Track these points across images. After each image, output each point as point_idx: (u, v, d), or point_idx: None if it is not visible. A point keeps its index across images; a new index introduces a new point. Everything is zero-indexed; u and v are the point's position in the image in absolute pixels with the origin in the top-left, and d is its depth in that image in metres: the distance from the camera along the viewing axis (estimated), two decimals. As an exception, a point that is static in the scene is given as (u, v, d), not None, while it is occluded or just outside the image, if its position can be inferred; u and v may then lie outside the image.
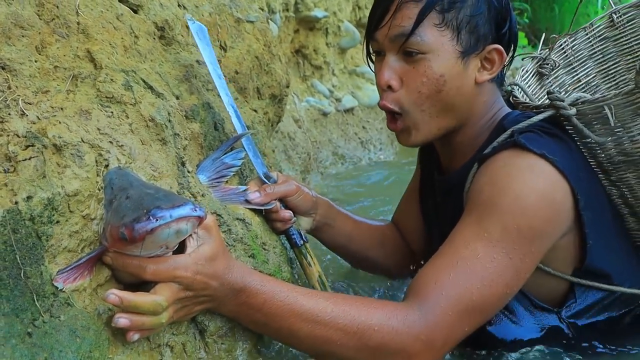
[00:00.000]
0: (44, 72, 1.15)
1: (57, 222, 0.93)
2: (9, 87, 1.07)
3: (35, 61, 1.15)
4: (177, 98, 1.41)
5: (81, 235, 0.97)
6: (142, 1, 1.52)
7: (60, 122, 1.00)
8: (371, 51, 1.42)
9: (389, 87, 1.33)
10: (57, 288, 0.91)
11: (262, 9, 2.01)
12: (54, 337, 0.87)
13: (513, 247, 1.18)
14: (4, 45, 1.11)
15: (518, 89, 1.54)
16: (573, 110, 1.27)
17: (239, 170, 1.49)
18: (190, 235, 1.01)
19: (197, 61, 1.59)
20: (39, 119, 1.00)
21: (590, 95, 1.57)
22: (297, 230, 1.46)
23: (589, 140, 1.30)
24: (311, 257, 1.47)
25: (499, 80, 1.42)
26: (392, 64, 1.32)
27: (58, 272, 0.92)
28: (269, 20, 2.04)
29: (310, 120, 3.03)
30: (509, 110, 1.42)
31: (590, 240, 1.27)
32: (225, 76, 1.71)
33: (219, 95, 1.48)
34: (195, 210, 0.92)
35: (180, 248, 1.03)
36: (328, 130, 3.14)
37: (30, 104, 1.06)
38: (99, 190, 1.00)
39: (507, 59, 1.39)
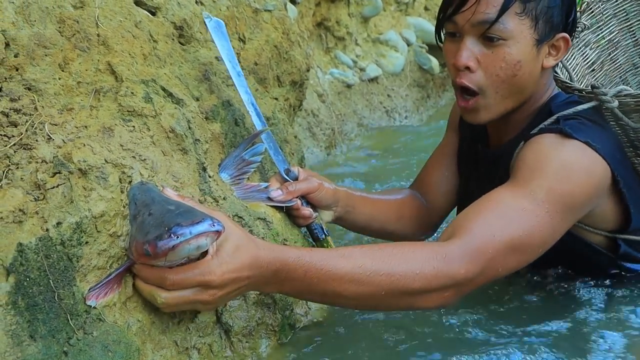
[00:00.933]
0: (68, 89, 1.20)
1: (86, 242, 0.99)
2: (36, 109, 1.13)
3: (59, 78, 1.20)
4: (197, 100, 1.46)
5: (109, 252, 1.03)
6: (160, 2, 1.55)
7: (84, 145, 1.06)
8: (444, 32, 1.50)
9: (467, 68, 1.41)
10: (90, 306, 0.98)
11: (279, -4, 2.02)
12: (88, 354, 0.95)
13: (555, 209, 1.30)
14: (29, 66, 1.16)
15: (559, 68, 1.62)
16: (615, 103, 1.38)
17: (260, 165, 1.54)
18: None
19: (216, 57, 1.62)
20: (65, 142, 1.06)
21: (612, 51, 1.81)
22: (319, 225, 1.51)
23: (625, 125, 1.43)
24: (333, 250, 1.53)
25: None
26: (471, 46, 1.40)
27: (89, 289, 0.98)
28: (287, 5, 2.05)
29: (334, 93, 3.04)
30: (557, 91, 1.53)
31: (632, 210, 1.44)
32: (244, 69, 1.75)
33: (246, 92, 1.52)
34: (214, 225, 0.96)
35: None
36: (352, 101, 3.16)
37: (55, 125, 1.11)
38: (124, 207, 1.06)
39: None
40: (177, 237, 0.93)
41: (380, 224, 1.71)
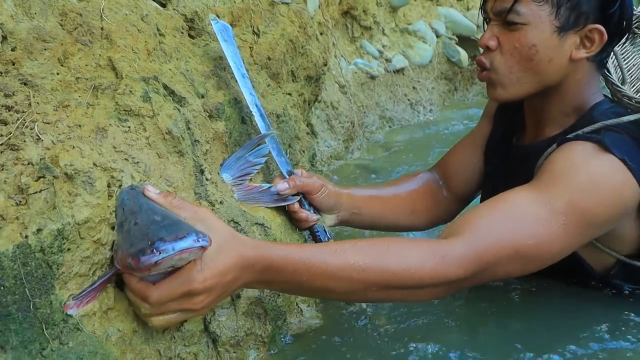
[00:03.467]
0: (66, 84, 1.17)
1: (68, 249, 0.97)
2: (29, 105, 1.11)
3: (57, 74, 1.17)
4: (203, 97, 1.43)
5: (92, 259, 1.01)
6: (172, -6, 1.52)
7: (74, 147, 1.03)
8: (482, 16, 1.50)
9: (487, 48, 1.42)
10: (69, 315, 0.96)
11: (299, -12, 1.97)
12: (61, 366, 0.93)
13: (572, 222, 1.25)
14: (26, 60, 1.14)
15: (612, 60, 1.55)
16: None
17: (264, 166, 1.50)
18: None
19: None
20: (54, 143, 1.04)
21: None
22: (321, 227, 1.48)
23: None
24: (336, 253, 1.49)
25: (599, 61, 1.44)
26: (494, 28, 1.42)
27: (72, 298, 0.96)
28: (307, -2, 2.00)
29: (357, 84, 2.99)
30: (602, 98, 1.46)
31: None
32: (256, 64, 1.71)
33: (251, 93, 1.48)
34: (198, 241, 0.93)
35: None
36: (375, 93, 3.10)
37: (48, 123, 1.09)
38: (111, 214, 1.04)
39: (615, 41, 1.43)
40: (160, 253, 0.91)
41: (391, 221, 1.68)
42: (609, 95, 1.52)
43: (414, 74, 3.46)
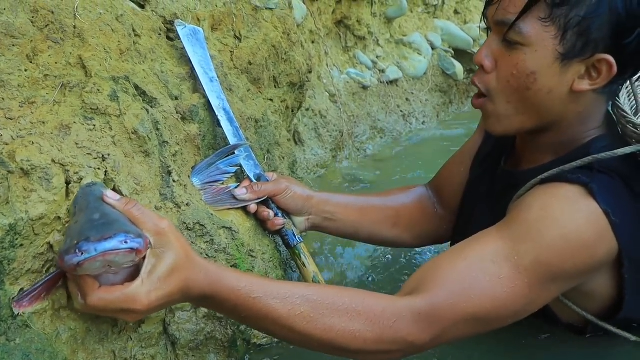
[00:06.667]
0: (33, 81, 1.17)
1: (21, 245, 0.96)
2: (-6, 101, 1.11)
3: (25, 70, 1.17)
4: (176, 99, 1.42)
5: (46, 256, 1.00)
6: (151, -5, 1.52)
7: (33, 143, 1.03)
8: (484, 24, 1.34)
9: (482, 67, 1.29)
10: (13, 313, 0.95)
11: (285, -6, 1.97)
12: (6, 362, 0.92)
13: (537, 280, 1.16)
14: (-7, 56, 1.14)
15: (628, 89, 1.41)
16: None
17: (239, 171, 1.50)
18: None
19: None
20: (13, 139, 1.03)
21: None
22: (290, 231, 1.48)
23: None
24: (306, 256, 1.49)
25: (608, 93, 1.28)
26: (492, 44, 1.27)
27: (19, 295, 0.95)
28: (291, 3, 2.00)
29: (348, 94, 2.98)
30: (604, 132, 1.31)
31: (627, 297, 1.26)
32: (236, 68, 1.71)
33: (219, 97, 1.48)
34: (126, 242, 0.90)
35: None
36: (367, 103, 3.09)
37: (11, 119, 1.09)
38: (68, 211, 1.03)
39: (628, 74, 1.26)
40: (82, 254, 0.87)
41: (371, 232, 1.63)
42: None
43: (408, 85, 3.45)
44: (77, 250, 0.88)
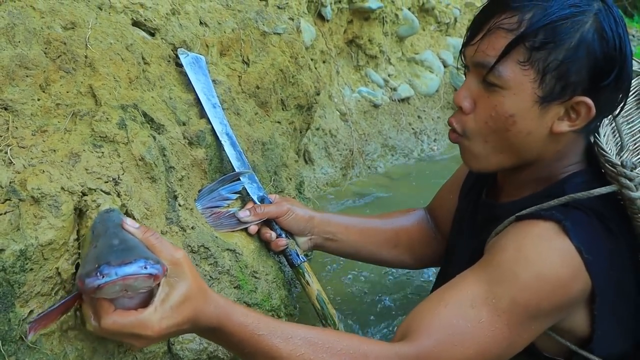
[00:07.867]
0: (46, 110, 1.23)
1: (31, 269, 1.01)
2: (8, 129, 1.16)
3: (38, 99, 1.23)
4: (184, 124, 1.47)
5: (55, 279, 1.05)
6: (160, 24, 1.57)
7: (43, 172, 1.08)
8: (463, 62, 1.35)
9: (461, 109, 1.30)
10: (26, 336, 0.99)
11: (292, 19, 2.02)
12: (14, 383, 0.97)
13: (516, 321, 1.18)
14: (8, 86, 1.19)
15: (613, 125, 1.40)
16: (639, 193, 1.19)
17: (245, 192, 1.55)
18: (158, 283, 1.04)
19: (214, 80, 1.64)
20: (25, 167, 1.08)
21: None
22: (294, 251, 1.52)
23: None
24: (310, 275, 1.53)
25: (587, 132, 1.29)
26: (471, 85, 1.28)
27: (32, 321, 0.99)
28: (299, 28, 2.05)
29: (359, 112, 3.02)
30: (582, 168, 1.33)
31: (598, 333, 1.26)
32: (244, 92, 1.76)
33: (222, 122, 1.53)
34: (146, 268, 0.94)
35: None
36: (378, 121, 3.13)
37: (23, 147, 1.14)
38: (77, 239, 1.08)
39: (606, 114, 1.29)
40: (103, 277, 0.92)
41: (372, 252, 1.68)
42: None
43: (420, 103, 3.49)
44: (98, 274, 0.92)
